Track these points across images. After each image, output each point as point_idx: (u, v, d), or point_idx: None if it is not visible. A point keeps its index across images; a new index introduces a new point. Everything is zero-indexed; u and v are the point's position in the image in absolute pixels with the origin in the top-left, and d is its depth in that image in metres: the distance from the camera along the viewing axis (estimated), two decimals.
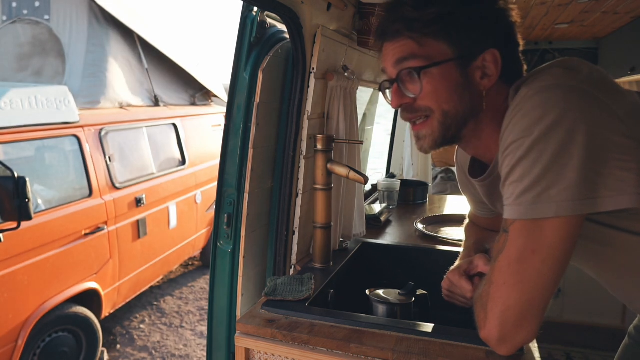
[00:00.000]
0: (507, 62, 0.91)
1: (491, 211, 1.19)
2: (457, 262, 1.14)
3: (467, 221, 1.36)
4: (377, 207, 2.13)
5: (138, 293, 4.10)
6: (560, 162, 0.74)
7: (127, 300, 3.93)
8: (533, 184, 0.76)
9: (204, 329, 4.08)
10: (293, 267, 1.45)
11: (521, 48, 0.95)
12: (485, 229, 1.28)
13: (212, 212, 4.93)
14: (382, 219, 2.01)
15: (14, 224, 2.53)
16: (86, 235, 3.28)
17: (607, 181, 0.75)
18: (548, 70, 0.85)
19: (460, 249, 1.26)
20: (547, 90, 0.78)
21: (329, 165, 1.39)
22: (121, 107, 4.08)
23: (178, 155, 4.55)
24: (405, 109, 0.93)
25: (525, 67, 0.96)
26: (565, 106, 0.75)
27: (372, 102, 2.77)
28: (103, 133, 3.55)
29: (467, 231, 1.32)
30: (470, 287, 1.01)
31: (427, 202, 2.55)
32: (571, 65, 0.85)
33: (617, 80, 0.95)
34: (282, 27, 1.41)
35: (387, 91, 0.99)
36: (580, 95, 0.77)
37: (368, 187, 2.61)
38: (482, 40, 0.89)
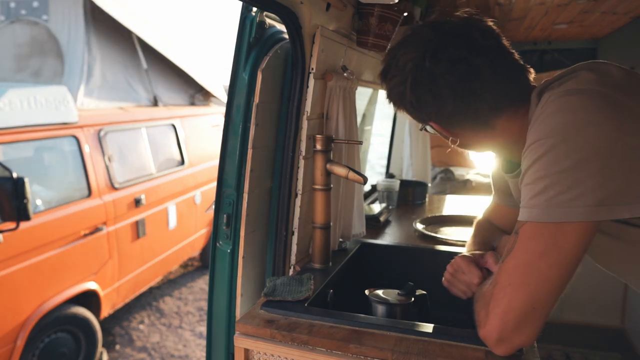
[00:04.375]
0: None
1: (516, 205, 1.18)
2: (464, 253, 1.13)
3: (479, 218, 1.35)
4: (376, 207, 2.13)
5: (137, 293, 4.09)
6: (577, 167, 0.72)
7: (126, 301, 3.92)
8: (547, 187, 0.74)
9: (203, 329, 4.08)
10: (292, 267, 1.45)
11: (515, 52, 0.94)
12: (496, 227, 1.27)
13: (211, 212, 4.92)
14: (382, 219, 2.01)
15: (12, 225, 2.53)
16: (85, 235, 3.28)
17: (625, 188, 0.73)
18: (574, 73, 0.84)
19: (461, 249, 1.26)
20: (570, 94, 0.78)
21: (328, 166, 1.39)
22: (120, 108, 4.08)
23: (177, 156, 4.55)
24: None
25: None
26: (586, 111, 0.74)
27: (372, 102, 2.77)
28: (102, 133, 3.55)
29: (478, 226, 1.31)
30: (480, 274, 0.99)
31: (427, 202, 2.55)
32: (599, 69, 0.83)
33: None
34: (281, 27, 1.41)
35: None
36: (602, 100, 0.76)
37: (367, 187, 2.61)
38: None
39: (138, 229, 3.81)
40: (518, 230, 0.80)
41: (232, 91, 1.36)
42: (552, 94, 0.80)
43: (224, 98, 5.27)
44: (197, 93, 5.19)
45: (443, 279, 1.10)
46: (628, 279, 0.99)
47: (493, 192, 1.29)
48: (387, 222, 2.07)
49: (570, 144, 0.73)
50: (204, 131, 5.04)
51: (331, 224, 1.45)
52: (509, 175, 1.05)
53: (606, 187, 0.72)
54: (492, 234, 1.25)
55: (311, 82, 1.38)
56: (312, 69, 1.37)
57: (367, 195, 2.55)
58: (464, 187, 3.71)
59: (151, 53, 4.46)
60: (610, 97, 0.77)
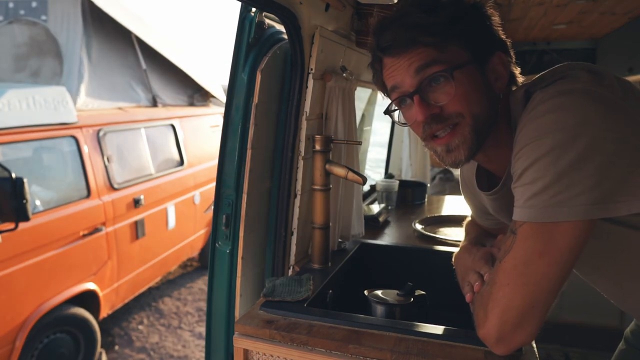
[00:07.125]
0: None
1: (496, 222, 1.18)
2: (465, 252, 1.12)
3: (468, 219, 1.35)
4: (375, 208, 2.13)
5: (136, 294, 4.09)
6: (576, 167, 0.73)
7: (126, 301, 3.92)
8: (546, 187, 0.75)
9: (202, 329, 4.08)
10: (291, 267, 1.45)
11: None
12: (484, 229, 1.28)
13: (210, 212, 4.92)
14: (381, 219, 2.01)
15: (11, 225, 2.53)
16: (84, 236, 3.27)
17: (622, 187, 0.74)
18: (569, 72, 0.84)
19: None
20: (567, 94, 0.78)
21: (327, 166, 1.39)
22: (119, 108, 4.08)
23: (176, 156, 4.55)
24: (433, 119, 0.87)
25: (518, 70, 0.96)
26: (584, 111, 0.75)
27: (371, 102, 2.77)
28: (101, 134, 3.55)
29: (468, 227, 1.31)
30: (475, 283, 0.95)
31: (426, 203, 2.55)
32: (595, 70, 0.83)
33: None
34: (280, 27, 1.41)
35: (396, 113, 0.95)
36: (600, 101, 0.76)
37: (366, 187, 2.61)
38: (489, 43, 0.90)
39: (137, 229, 3.80)
40: (515, 230, 0.80)
41: (231, 91, 1.36)
42: (544, 93, 0.80)
43: (223, 98, 5.27)
44: (196, 93, 5.18)
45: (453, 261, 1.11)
46: (595, 278, 1.00)
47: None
48: (386, 223, 2.07)
49: (567, 144, 0.73)
50: (203, 131, 5.03)
51: (330, 224, 1.45)
52: (488, 195, 1.02)
53: (605, 185, 0.73)
54: (482, 231, 1.25)
55: (310, 83, 1.38)
56: (311, 69, 1.37)
57: (366, 195, 2.55)
58: None
59: (150, 53, 4.46)
60: (606, 97, 0.77)
